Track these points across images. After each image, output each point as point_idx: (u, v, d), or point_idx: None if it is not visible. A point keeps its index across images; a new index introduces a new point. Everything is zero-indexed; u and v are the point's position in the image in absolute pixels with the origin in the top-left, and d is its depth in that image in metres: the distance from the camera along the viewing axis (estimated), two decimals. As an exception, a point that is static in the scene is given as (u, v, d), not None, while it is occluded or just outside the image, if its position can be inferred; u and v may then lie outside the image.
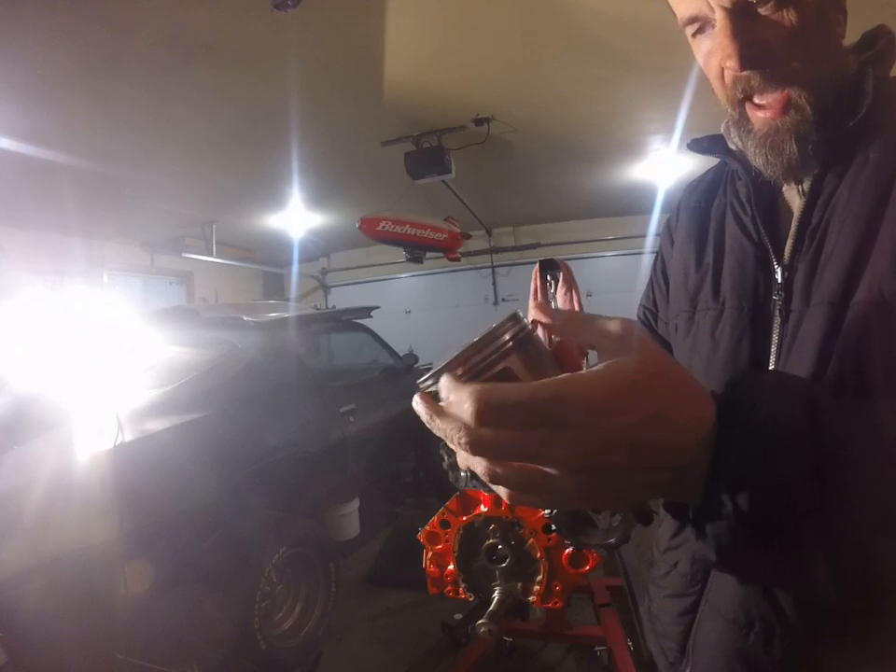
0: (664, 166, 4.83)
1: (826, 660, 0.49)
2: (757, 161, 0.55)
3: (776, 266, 0.56)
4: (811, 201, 0.54)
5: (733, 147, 0.62)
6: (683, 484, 0.35)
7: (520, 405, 0.30)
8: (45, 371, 2.27)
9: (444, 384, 0.33)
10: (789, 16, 0.49)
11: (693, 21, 0.54)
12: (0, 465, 1.84)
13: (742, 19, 0.49)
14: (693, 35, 0.55)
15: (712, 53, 0.53)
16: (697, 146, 0.67)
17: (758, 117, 0.53)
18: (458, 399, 0.31)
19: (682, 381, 0.36)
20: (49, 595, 1.66)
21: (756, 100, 0.53)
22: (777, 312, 0.55)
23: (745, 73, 0.51)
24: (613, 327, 0.35)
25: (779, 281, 0.56)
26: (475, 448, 0.32)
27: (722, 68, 0.53)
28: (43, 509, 1.70)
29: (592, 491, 0.34)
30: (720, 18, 0.50)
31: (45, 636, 1.65)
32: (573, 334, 0.38)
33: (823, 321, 0.49)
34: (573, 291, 3.18)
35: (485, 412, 0.30)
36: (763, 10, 0.49)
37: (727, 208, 0.65)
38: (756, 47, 0.49)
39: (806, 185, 0.56)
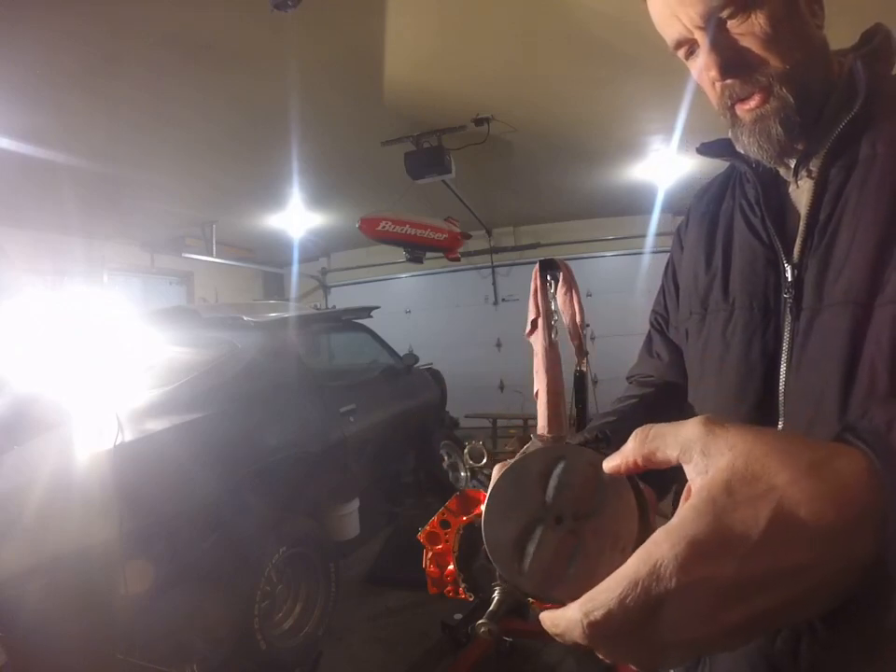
0: (664, 166, 4.83)
1: (853, 670, 0.47)
2: (752, 150, 0.58)
3: (785, 265, 0.57)
4: (818, 198, 0.55)
5: (741, 151, 0.63)
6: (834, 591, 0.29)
7: (623, 606, 0.28)
8: (45, 370, 2.27)
9: (547, 620, 0.31)
10: (759, 21, 0.52)
11: (679, 45, 0.58)
12: (0, 465, 1.84)
13: (718, 34, 0.54)
14: (686, 58, 0.60)
15: (702, 69, 0.57)
16: (707, 149, 0.68)
17: (744, 110, 0.57)
18: (567, 628, 0.30)
19: (806, 469, 0.29)
20: (49, 595, 1.66)
21: (741, 102, 0.57)
22: (788, 310, 0.56)
23: (728, 81, 0.55)
24: (690, 433, 0.31)
25: (789, 279, 0.56)
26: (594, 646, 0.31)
27: (715, 82, 0.57)
28: (43, 509, 1.70)
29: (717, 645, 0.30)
30: (698, 37, 0.55)
31: (45, 636, 1.64)
32: (655, 462, 0.33)
33: (848, 320, 0.49)
34: (573, 291, 3.18)
35: (593, 634, 0.29)
36: (733, 23, 0.53)
37: (735, 210, 0.65)
38: (733, 55, 0.54)
39: (810, 183, 0.56)
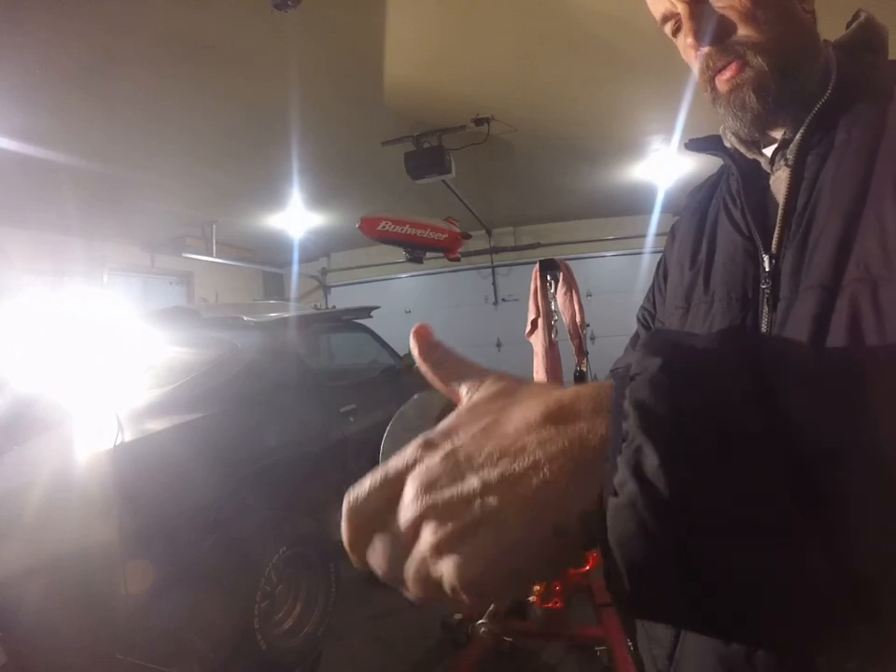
0: (664, 166, 4.83)
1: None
2: (729, 121, 0.59)
3: (763, 256, 0.57)
4: (794, 186, 0.55)
5: (728, 146, 0.64)
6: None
7: (374, 482, 0.32)
8: (45, 370, 2.27)
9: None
10: None
11: (666, 19, 0.60)
12: (0, 465, 1.84)
13: (699, 4, 0.55)
14: (674, 35, 0.60)
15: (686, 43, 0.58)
16: (694, 144, 0.69)
17: (722, 81, 0.57)
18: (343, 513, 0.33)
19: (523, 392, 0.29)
20: (49, 595, 1.66)
21: (720, 73, 0.57)
22: (765, 300, 0.56)
23: (706, 49, 0.56)
24: (488, 377, 0.31)
25: (766, 269, 0.56)
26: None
27: (696, 53, 0.57)
28: (43, 509, 1.70)
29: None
30: (680, 9, 0.56)
31: (45, 636, 1.65)
32: (441, 376, 0.33)
33: (814, 305, 0.49)
34: (573, 291, 3.18)
35: (348, 510, 0.32)
36: None
37: (720, 205, 0.66)
38: (710, 24, 0.55)
39: (787, 172, 0.56)
